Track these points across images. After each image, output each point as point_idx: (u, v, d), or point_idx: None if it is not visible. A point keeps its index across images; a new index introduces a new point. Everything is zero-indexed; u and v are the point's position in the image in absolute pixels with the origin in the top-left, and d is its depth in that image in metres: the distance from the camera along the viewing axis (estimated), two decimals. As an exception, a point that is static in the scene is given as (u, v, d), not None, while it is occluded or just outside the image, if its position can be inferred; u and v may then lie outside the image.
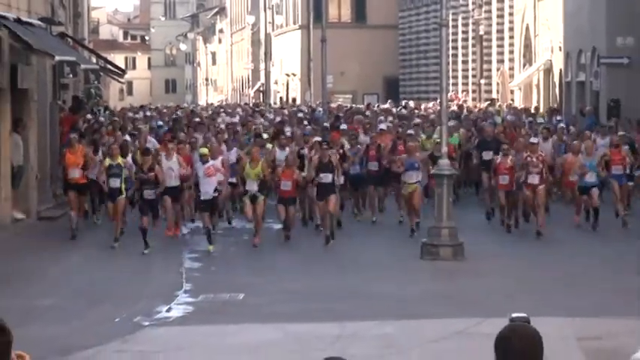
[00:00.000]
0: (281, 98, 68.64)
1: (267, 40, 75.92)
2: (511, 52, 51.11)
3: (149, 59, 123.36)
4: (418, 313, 16.57)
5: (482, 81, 54.59)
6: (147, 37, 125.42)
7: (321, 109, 41.27)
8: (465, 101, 51.60)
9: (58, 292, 18.71)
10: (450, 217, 21.90)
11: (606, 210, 24.83)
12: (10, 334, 4.14)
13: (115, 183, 23.18)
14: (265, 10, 76.90)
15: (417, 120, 36.12)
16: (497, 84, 52.38)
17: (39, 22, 29.05)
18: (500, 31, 52.18)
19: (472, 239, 22.35)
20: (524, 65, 49.53)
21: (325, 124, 32.57)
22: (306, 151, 25.07)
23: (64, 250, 22.74)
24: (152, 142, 27.73)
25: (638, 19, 36.10)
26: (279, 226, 24.06)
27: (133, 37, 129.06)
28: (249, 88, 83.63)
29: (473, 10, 55.28)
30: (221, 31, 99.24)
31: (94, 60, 42.55)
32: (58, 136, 30.78)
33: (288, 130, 29.38)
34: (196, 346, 14.87)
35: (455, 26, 55.15)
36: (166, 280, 19.79)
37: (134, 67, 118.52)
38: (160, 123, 34.50)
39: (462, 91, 56.01)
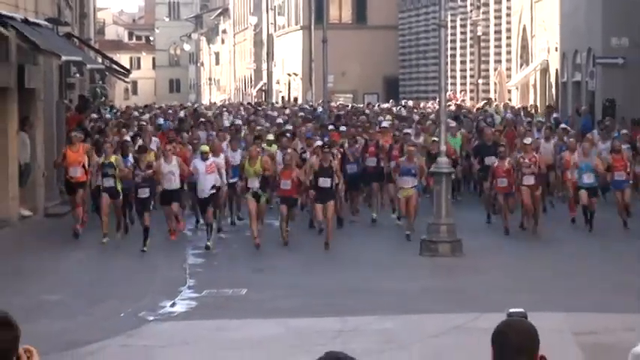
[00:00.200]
0: (283, 97, 68.64)
1: (270, 40, 75.98)
2: (508, 52, 51.11)
3: (154, 59, 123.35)
4: (418, 308, 16.59)
5: (480, 81, 54.60)
6: (151, 38, 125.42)
7: (321, 108, 41.31)
8: (464, 100, 51.66)
9: (65, 288, 18.71)
10: (448, 214, 21.90)
11: (606, 210, 24.63)
12: (18, 329, 4.14)
13: (109, 182, 22.87)
14: (267, 11, 76.91)
15: (416, 117, 36.13)
16: (495, 84, 52.39)
17: (46, 23, 29.04)
18: (497, 32, 52.18)
19: (470, 236, 22.35)
20: (522, 65, 49.53)
21: (325, 122, 32.55)
22: (308, 154, 24.76)
23: (71, 246, 22.73)
24: (155, 142, 27.66)
25: (633, 21, 36.09)
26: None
27: (138, 38, 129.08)
28: (251, 87, 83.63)
29: (471, 11, 55.28)
30: (224, 31, 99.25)
31: (99, 60, 42.56)
32: (64, 135, 30.78)
33: (289, 128, 29.10)
34: (200, 340, 14.88)
35: (453, 27, 55.16)
36: (170, 276, 19.78)
37: (139, 67, 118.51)
38: (161, 121, 34.39)
39: (461, 90, 56.04)
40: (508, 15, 50.95)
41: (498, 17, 52.00)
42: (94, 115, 37.59)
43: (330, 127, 30.21)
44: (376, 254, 21.78)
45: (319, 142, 24.50)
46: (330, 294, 17.86)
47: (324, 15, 42.49)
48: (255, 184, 22.63)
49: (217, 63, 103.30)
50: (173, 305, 17.42)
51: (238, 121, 35.14)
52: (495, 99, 50.19)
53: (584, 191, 23.60)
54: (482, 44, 54.11)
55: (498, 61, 51.92)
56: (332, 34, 46.92)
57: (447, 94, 37.69)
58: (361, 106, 49.20)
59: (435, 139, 25.11)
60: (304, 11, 65.45)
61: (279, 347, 14.35)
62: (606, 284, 18.27)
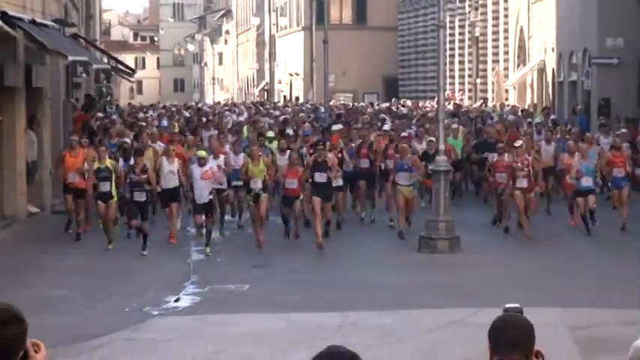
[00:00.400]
0: (285, 97, 68.68)
1: (272, 41, 75.96)
2: (506, 52, 51.09)
3: (158, 59, 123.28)
4: (416, 303, 16.60)
5: (478, 80, 54.58)
6: (156, 38, 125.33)
7: (323, 108, 41.29)
8: (462, 100, 51.64)
9: (71, 283, 18.73)
10: (446, 212, 21.91)
11: (605, 210, 24.44)
12: (26, 323, 4.16)
13: (105, 187, 22.09)
14: (270, 13, 76.90)
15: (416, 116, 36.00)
16: (493, 83, 52.38)
17: (53, 24, 29.05)
18: (495, 33, 52.15)
19: (468, 233, 22.36)
20: (519, 65, 49.51)
21: (324, 124, 32.40)
22: (305, 150, 24.61)
23: (77, 243, 22.74)
24: (158, 144, 27.34)
25: (628, 22, 36.08)
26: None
27: (143, 38, 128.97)
28: (254, 87, 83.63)
29: (469, 12, 55.26)
30: (227, 32, 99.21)
31: (105, 60, 42.54)
32: (70, 133, 30.79)
33: (290, 130, 28.81)
34: (203, 334, 14.90)
35: (452, 28, 55.14)
36: (174, 272, 19.80)
37: (144, 67, 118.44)
38: (165, 123, 34.32)
39: (459, 90, 56.03)
40: (506, 16, 50.93)
41: (496, 18, 51.98)
42: (100, 114, 37.62)
43: (335, 126, 29.62)
44: (375, 251, 21.78)
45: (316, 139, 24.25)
46: (330, 290, 17.88)
47: (325, 16, 42.63)
48: (258, 184, 22.22)
49: (220, 63, 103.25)
50: (177, 300, 17.45)
51: (241, 118, 35.12)
52: (493, 98, 50.22)
53: (582, 199, 22.99)
54: (480, 45, 54.08)
55: (496, 61, 51.90)
56: (333, 34, 46.97)
57: (446, 93, 37.66)
58: (363, 104, 49.17)
59: (432, 139, 24.94)
60: (306, 12, 65.40)
61: (281, 341, 14.37)
62: (601, 278, 18.30)
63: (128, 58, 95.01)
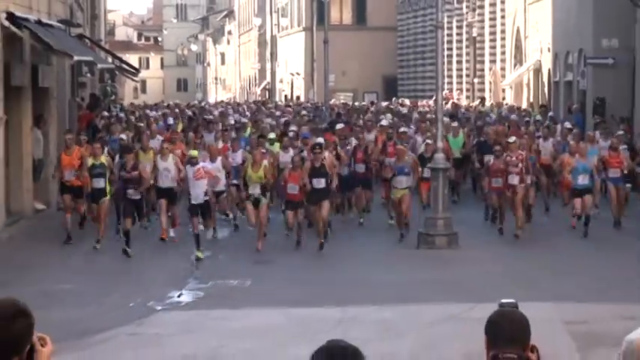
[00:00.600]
0: (286, 96, 68.70)
1: (273, 41, 75.95)
2: (502, 52, 51.06)
3: (162, 59, 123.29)
4: (415, 298, 16.61)
5: (476, 80, 54.56)
6: (160, 39, 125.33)
7: (324, 108, 41.27)
8: (459, 99, 51.62)
9: (76, 278, 18.74)
10: (445, 209, 21.91)
11: (605, 210, 24.21)
12: (33, 318, 4.16)
13: (99, 183, 21.66)
14: (271, 13, 76.89)
15: (416, 115, 35.95)
16: (490, 83, 52.36)
17: (58, 24, 29.04)
18: (492, 33, 52.12)
19: (467, 229, 22.35)
20: (515, 65, 49.49)
21: (324, 125, 32.21)
22: (305, 153, 24.45)
23: (82, 239, 22.73)
24: (159, 141, 27.13)
25: (623, 23, 36.04)
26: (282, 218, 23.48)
27: (147, 39, 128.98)
28: (255, 86, 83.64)
29: (467, 13, 55.24)
30: (230, 32, 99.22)
31: (110, 60, 42.52)
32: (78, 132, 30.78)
33: (292, 130, 28.55)
34: (206, 328, 14.91)
35: (450, 28, 55.10)
36: (177, 268, 19.80)
37: (148, 67, 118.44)
38: (171, 121, 34.28)
39: (457, 89, 56.01)
40: (502, 17, 50.90)
41: (493, 19, 51.94)
42: (105, 113, 37.63)
43: (338, 126, 29.29)
44: (375, 248, 21.78)
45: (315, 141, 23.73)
46: (330, 285, 17.89)
47: (326, 17, 42.59)
48: (256, 190, 21.64)
49: (223, 63, 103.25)
50: (180, 295, 17.46)
51: (244, 119, 34.95)
52: (490, 98, 50.22)
53: (579, 199, 22.67)
54: (478, 45, 54.04)
55: (493, 61, 51.86)
56: (333, 35, 46.98)
57: (444, 92, 37.63)
58: (364, 104, 49.14)
59: (430, 141, 24.75)
60: (306, 13, 65.40)
61: (282, 335, 14.38)
62: (602, 279, 18.15)
63: (132, 58, 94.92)
